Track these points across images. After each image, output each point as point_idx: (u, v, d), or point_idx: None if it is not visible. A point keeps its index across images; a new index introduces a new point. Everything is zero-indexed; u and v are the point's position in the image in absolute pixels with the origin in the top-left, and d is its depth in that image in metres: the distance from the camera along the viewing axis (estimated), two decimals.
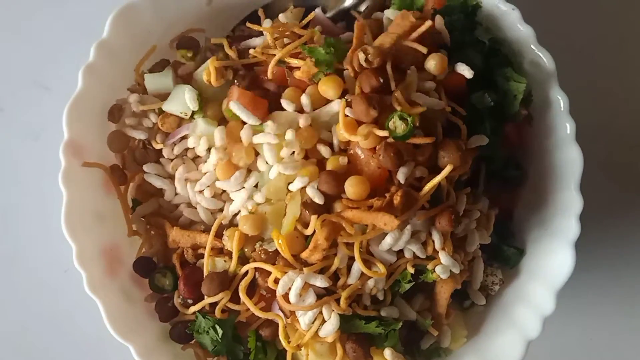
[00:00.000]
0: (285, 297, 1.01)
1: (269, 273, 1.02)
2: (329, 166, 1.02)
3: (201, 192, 1.09)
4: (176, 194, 1.13)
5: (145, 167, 1.13)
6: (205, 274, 1.06)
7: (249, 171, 1.07)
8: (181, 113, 1.10)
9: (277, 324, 1.05)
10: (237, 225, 1.05)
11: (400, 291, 1.06)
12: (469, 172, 1.08)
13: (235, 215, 1.07)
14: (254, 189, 1.06)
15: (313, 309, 1.01)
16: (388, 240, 1.00)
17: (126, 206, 1.14)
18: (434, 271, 1.03)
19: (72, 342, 1.36)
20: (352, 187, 0.99)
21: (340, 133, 1.01)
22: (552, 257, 1.11)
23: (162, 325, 1.12)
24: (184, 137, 1.11)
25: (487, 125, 1.10)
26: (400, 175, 1.00)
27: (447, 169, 0.99)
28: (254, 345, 1.08)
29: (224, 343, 1.07)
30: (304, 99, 1.04)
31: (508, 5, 1.12)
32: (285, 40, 1.08)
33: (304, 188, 1.01)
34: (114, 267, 1.12)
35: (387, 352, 1.05)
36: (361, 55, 1.01)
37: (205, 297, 1.06)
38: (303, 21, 1.13)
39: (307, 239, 1.01)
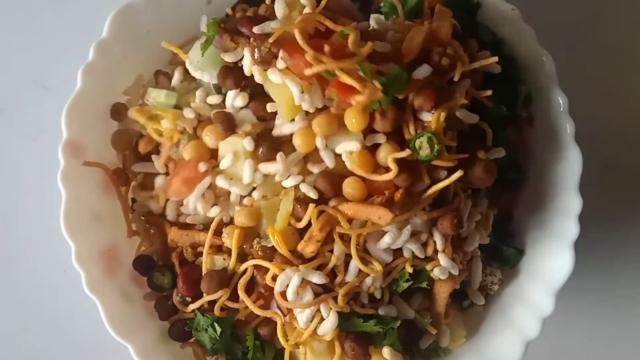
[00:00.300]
0: (283, 294, 1.01)
1: (267, 270, 1.02)
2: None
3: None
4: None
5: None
6: (204, 271, 1.06)
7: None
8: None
9: (276, 323, 1.05)
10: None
11: (398, 290, 1.06)
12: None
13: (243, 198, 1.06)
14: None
15: (311, 307, 1.01)
16: (387, 239, 1.00)
17: (126, 207, 1.14)
18: (432, 272, 1.03)
19: (72, 342, 1.36)
20: (350, 189, 0.99)
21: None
22: (551, 258, 1.10)
23: (161, 325, 1.12)
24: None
25: (501, 133, 1.08)
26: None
27: (457, 174, 0.97)
28: (252, 344, 1.08)
29: (222, 341, 1.07)
30: (319, 142, 1.00)
31: (508, 5, 1.12)
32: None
33: (297, 186, 1.01)
34: (113, 267, 1.12)
35: (386, 351, 1.05)
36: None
37: (204, 294, 1.06)
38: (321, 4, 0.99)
39: (302, 234, 1.00)
